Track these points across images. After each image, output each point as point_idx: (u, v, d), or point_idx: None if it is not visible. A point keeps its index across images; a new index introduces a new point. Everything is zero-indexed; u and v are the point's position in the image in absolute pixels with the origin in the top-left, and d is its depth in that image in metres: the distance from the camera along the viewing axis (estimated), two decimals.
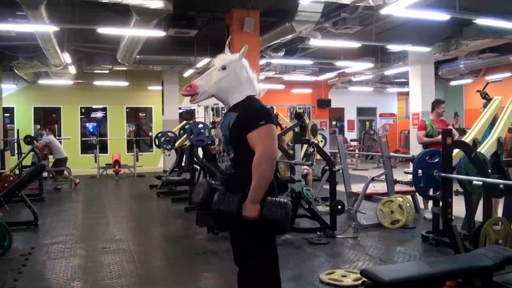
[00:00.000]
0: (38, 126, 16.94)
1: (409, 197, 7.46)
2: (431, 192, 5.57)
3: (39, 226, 7.49)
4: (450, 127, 7.62)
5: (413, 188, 6.58)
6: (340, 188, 7.80)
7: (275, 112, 11.54)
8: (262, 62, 13.44)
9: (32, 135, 15.94)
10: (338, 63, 14.86)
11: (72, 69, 13.79)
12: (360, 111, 23.14)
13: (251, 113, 2.78)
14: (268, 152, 2.69)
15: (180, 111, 17.87)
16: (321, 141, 11.11)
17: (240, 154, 2.77)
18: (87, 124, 18.90)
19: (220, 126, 2.90)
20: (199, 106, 17.17)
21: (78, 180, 12.51)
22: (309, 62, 15.01)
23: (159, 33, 9.53)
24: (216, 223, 2.95)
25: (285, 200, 2.76)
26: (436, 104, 7.73)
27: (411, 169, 5.62)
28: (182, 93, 2.90)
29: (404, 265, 4.47)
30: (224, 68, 2.88)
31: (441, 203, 5.07)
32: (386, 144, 7.97)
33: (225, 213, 2.69)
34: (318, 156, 9.34)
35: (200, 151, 9.59)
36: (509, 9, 9.25)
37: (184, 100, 18.58)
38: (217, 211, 2.72)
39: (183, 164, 10.80)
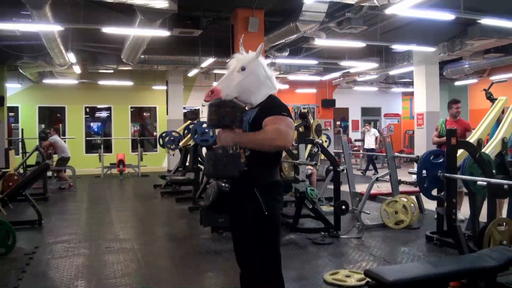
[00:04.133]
0: (43, 126, 16.99)
1: (413, 197, 7.44)
2: (435, 192, 5.56)
3: (43, 225, 7.51)
4: (469, 128, 7.55)
5: (417, 189, 6.58)
6: (344, 188, 7.79)
7: None
8: (267, 62, 13.37)
9: (37, 135, 16.05)
10: (343, 63, 14.85)
11: (77, 69, 13.82)
12: (365, 111, 23.09)
13: (273, 107, 2.80)
14: (284, 132, 2.66)
15: (185, 110, 17.89)
16: (325, 141, 11.09)
17: (256, 152, 2.75)
18: (91, 124, 18.92)
19: None
20: (204, 106, 17.22)
21: (71, 182, 12.44)
22: (313, 62, 15.00)
23: (164, 33, 9.53)
24: (212, 209, 2.93)
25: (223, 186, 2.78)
26: (448, 105, 7.69)
27: (415, 169, 5.61)
28: (205, 99, 2.84)
29: (408, 266, 4.46)
30: (243, 69, 2.84)
31: (445, 204, 5.06)
32: (391, 144, 7.95)
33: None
34: (322, 156, 9.33)
35: (204, 151, 9.61)
36: None
37: (189, 99, 18.65)
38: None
39: (187, 163, 10.81)
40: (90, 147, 17.98)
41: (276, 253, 2.88)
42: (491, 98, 6.61)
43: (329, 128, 18.36)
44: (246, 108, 2.95)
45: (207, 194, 2.90)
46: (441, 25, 10.18)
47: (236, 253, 3.01)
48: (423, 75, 12.93)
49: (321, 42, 11.11)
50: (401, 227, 6.91)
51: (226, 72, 2.94)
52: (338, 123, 22.45)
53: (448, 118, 7.62)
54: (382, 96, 22.65)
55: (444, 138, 7.06)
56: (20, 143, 14.56)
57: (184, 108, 17.92)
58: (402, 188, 7.78)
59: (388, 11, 7.70)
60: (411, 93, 16.75)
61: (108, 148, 17.47)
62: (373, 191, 7.54)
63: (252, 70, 2.86)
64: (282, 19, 9.95)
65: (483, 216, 5.29)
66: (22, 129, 14.82)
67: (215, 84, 2.88)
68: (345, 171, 7.87)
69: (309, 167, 8.26)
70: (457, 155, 5.17)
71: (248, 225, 2.77)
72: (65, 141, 13.38)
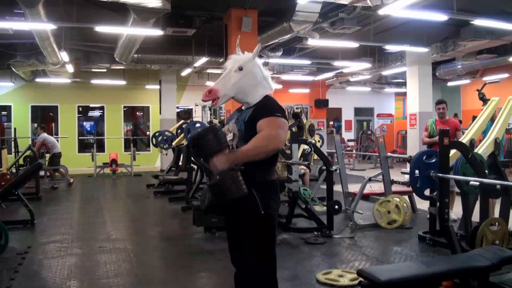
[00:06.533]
0: (36, 125, 16.92)
1: (406, 197, 7.46)
2: (427, 192, 5.57)
3: (35, 225, 7.47)
4: (459, 127, 7.61)
5: (410, 188, 6.60)
6: (337, 188, 7.80)
7: None
8: (260, 61, 13.42)
9: (29, 134, 15.99)
10: (336, 63, 14.89)
11: (70, 68, 13.75)
12: (358, 111, 23.15)
13: (267, 107, 2.81)
14: (275, 135, 2.67)
15: (178, 110, 17.86)
16: (318, 141, 11.11)
17: None
18: (84, 123, 18.84)
19: (236, 121, 2.90)
20: (197, 105, 17.22)
21: (72, 180, 12.46)
22: (307, 62, 15.01)
23: (157, 32, 9.51)
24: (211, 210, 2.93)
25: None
26: (435, 106, 7.74)
27: (408, 169, 5.63)
28: (203, 99, 2.87)
29: (400, 265, 4.47)
30: (241, 69, 2.87)
31: (438, 204, 5.08)
32: (383, 144, 7.97)
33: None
34: (316, 156, 9.34)
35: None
36: (506, 10, 9.28)
37: (182, 99, 18.62)
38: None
39: (180, 163, 10.79)
40: (83, 147, 17.88)
41: (271, 253, 2.88)
42: (484, 99, 6.65)
43: (322, 128, 18.39)
44: (243, 108, 2.96)
45: (202, 198, 2.91)
46: (434, 26, 10.23)
47: (231, 252, 3.01)
48: (416, 75, 12.98)
49: (314, 42, 11.14)
50: (394, 227, 6.93)
51: (223, 72, 2.95)
52: (331, 123, 22.48)
53: (437, 119, 7.67)
54: (375, 96, 22.73)
55: (436, 138, 7.13)
56: (12, 142, 14.48)
57: (177, 107, 17.90)
58: (394, 188, 7.80)
59: (381, 12, 7.72)
60: (404, 94, 16.80)
61: (101, 147, 17.40)
62: (366, 191, 7.56)
63: (249, 70, 2.89)
64: (275, 19, 9.97)
65: (475, 216, 5.32)
66: (15, 128, 14.74)
67: (210, 83, 2.89)
68: (338, 171, 7.88)
69: (302, 167, 8.27)
70: (450, 155, 5.19)
71: (244, 224, 2.78)
72: (58, 141, 13.32)
